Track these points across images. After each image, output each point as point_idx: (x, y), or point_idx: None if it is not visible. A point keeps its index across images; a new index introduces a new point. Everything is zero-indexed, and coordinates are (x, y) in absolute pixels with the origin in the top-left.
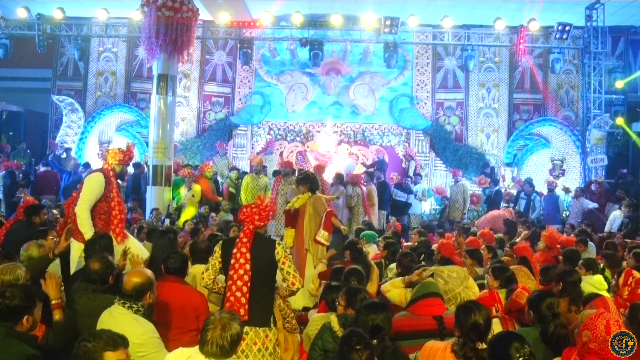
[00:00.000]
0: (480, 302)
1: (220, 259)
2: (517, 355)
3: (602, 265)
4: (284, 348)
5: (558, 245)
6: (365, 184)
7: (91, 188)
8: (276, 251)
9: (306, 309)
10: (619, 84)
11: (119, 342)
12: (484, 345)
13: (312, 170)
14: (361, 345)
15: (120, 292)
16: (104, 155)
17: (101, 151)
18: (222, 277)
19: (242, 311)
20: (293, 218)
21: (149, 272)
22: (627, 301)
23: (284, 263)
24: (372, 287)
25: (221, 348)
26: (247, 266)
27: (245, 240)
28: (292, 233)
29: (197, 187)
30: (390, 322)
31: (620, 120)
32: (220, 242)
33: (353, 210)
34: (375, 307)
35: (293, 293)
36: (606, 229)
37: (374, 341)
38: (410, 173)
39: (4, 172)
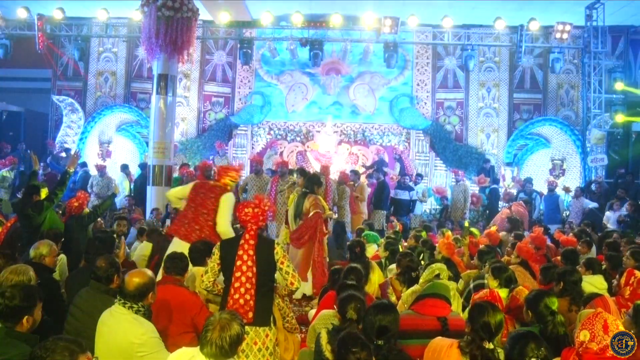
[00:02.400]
0: (496, 305)
1: (219, 261)
2: (531, 355)
3: (604, 266)
4: (284, 348)
5: (550, 244)
6: (352, 182)
7: (230, 207)
8: (275, 251)
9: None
10: (619, 86)
11: (75, 349)
12: (492, 346)
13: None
14: (357, 347)
15: (121, 292)
16: (218, 173)
17: (101, 151)
18: (221, 278)
19: (250, 314)
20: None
21: (150, 272)
22: (629, 301)
23: (282, 262)
24: (372, 287)
25: (220, 349)
26: (255, 268)
27: (252, 242)
28: (286, 231)
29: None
30: (397, 324)
31: (620, 118)
32: (219, 243)
33: (340, 210)
34: (384, 307)
35: (292, 292)
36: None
37: (380, 342)
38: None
39: (7, 168)
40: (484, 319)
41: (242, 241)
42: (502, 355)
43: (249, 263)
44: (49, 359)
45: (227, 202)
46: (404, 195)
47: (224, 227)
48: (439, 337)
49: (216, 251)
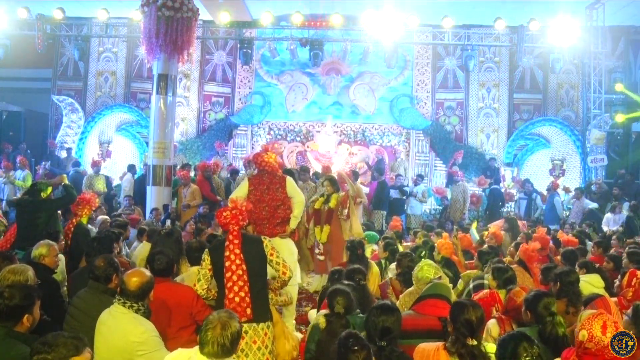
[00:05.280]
0: (475, 301)
1: (210, 266)
2: (525, 355)
3: (598, 266)
4: (283, 340)
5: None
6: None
7: (296, 185)
8: (264, 245)
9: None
10: (619, 87)
11: (79, 345)
12: (475, 342)
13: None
14: (358, 347)
15: (122, 291)
16: (267, 161)
17: (101, 151)
18: (214, 284)
19: (248, 311)
20: (327, 216)
21: (148, 271)
22: (631, 302)
23: (272, 255)
24: (372, 287)
25: (222, 347)
26: (244, 266)
27: (236, 241)
28: (327, 229)
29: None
30: (400, 325)
31: (620, 117)
32: (207, 250)
33: None
34: (387, 309)
35: (285, 283)
36: (605, 229)
37: (382, 343)
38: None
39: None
40: (465, 316)
41: (227, 243)
42: (489, 349)
43: (237, 262)
44: (52, 354)
45: (293, 183)
46: (397, 195)
47: (303, 204)
48: (424, 343)
49: (206, 257)
